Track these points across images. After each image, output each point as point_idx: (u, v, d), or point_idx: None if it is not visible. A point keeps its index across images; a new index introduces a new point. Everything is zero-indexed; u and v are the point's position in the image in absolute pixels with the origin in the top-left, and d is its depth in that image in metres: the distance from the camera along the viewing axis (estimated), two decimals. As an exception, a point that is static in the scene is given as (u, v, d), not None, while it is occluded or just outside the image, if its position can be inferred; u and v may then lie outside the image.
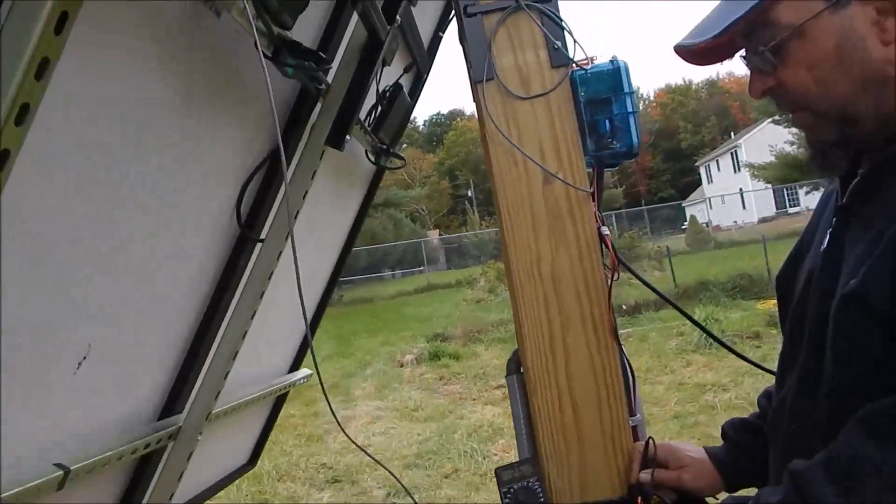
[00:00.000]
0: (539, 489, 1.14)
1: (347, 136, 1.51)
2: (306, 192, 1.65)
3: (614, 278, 1.21)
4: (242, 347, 1.64)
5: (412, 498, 3.95)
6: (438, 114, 64.19)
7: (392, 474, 1.94)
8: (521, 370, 1.28)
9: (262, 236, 1.56)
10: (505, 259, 1.24)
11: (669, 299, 1.30)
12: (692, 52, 0.93)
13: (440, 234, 37.47)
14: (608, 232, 1.21)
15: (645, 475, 1.12)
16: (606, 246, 1.22)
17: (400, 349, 9.03)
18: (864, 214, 0.85)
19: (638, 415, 1.23)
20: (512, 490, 1.15)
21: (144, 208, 1.07)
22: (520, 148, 1.21)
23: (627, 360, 1.22)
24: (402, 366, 8.23)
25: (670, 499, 1.08)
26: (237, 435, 2.29)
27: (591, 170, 1.28)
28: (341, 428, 1.45)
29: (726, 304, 8.33)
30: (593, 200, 1.23)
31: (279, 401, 2.51)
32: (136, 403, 1.37)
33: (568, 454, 1.19)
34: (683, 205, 38.15)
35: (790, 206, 31.52)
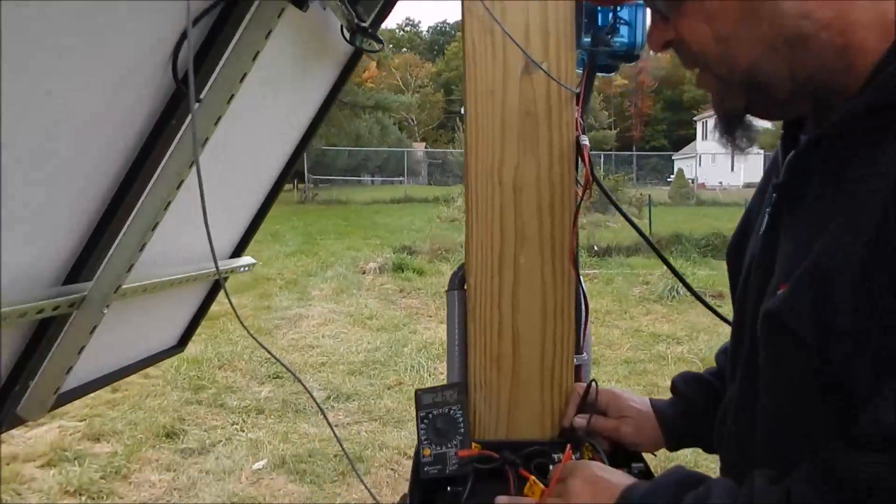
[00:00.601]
0: (461, 419, 1.00)
1: (316, -1, 1.28)
2: (258, 52, 1.44)
3: (585, 197, 1.04)
4: (172, 225, 1.46)
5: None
6: (444, 22, 62.00)
7: (305, 387, 1.77)
8: (465, 287, 1.13)
9: (201, 96, 1.35)
10: (465, 158, 1.07)
11: (645, 235, 1.14)
12: None
13: (426, 148, 36.88)
14: (587, 142, 1.04)
15: (580, 420, 0.99)
16: (583, 160, 1.04)
17: (365, 256, 8.92)
18: (798, 199, 0.69)
19: (584, 354, 1.10)
20: (430, 416, 1.01)
21: (62, 51, 0.86)
22: (501, 24, 1.01)
23: (584, 292, 1.07)
24: (364, 273, 8.13)
25: (604, 449, 0.96)
26: (164, 316, 2.15)
27: (580, 70, 1.09)
28: (255, 339, 1.28)
29: (696, 260, 8.30)
30: (577, 104, 1.05)
31: (217, 286, 2.36)
32: (43, 265, 1.20)
33: (499, 386, 1.05)
34: (674, 157, 37.92)
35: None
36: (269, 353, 1.11)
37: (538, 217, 1.04)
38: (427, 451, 0.98)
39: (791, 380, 0.65)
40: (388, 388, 4.45)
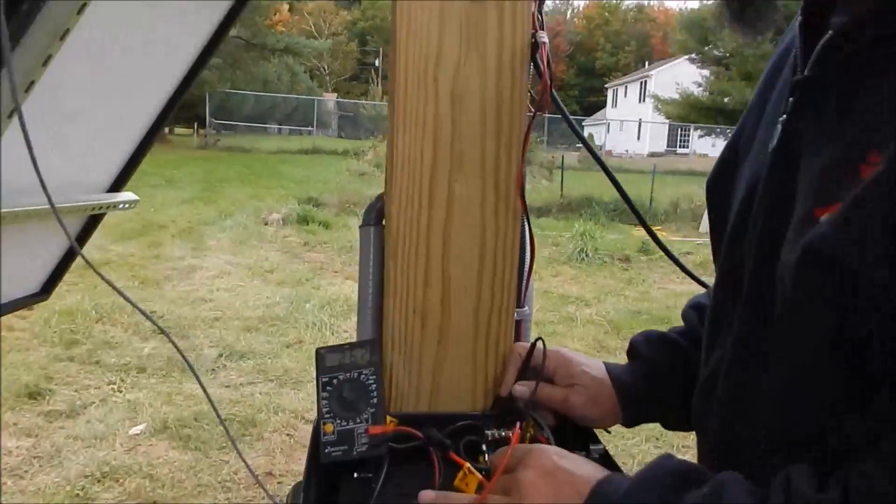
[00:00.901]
0: (374, 387, 0.78)
1: None
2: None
3: (540, 112, 0.83)
4: (40, 151, 1.15)
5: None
6: (365, -34, 59.82)
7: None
8: (384, 222, 0.91)
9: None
10: (392, 51, 0.83)
11: (617, 183, 0.94)
12: None
13: (338, 99, 35.78)
14: (546, 40, 0.82)
15: (522, 388, 0.80)
16: (539, 68, 0.83)
17: (268, 206, 8.45)
18: (835, 98, 0.51)
19: (526, 308, 0.90)
20: (335, 382, 0.79)
21: None
22: None
23: (531, 231, 0.87)
24: (266, 224, 7.70)
25: (549, 424, 0.77)
26: (21, 256, 1.81)
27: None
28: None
29: (605, 224, 8.40)
30: (534, -4, 0.82)
31: (90, 226, 2.01)
32: None
33: (423, 345, 0.84)
34: (584, 123, 38.60)
35: (680, 147, 32.80)
36: (129, 302, 0.85)
37: (481, 135, 0.82)
38: (329, 427, 0.76)
39: (822, 339, 0.47)
40: (287, 347, 4.17)
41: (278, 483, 2.80)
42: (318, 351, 0.81)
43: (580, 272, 6.44)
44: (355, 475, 0.75)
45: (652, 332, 0.82)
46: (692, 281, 0.87)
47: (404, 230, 0.82)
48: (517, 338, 0.87)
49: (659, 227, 8.73)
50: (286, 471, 2.89)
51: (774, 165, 0.56)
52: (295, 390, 3.59)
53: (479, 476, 0.62)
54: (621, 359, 0.84)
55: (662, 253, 0.93)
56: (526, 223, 0.85)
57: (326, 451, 0.75)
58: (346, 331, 4.49)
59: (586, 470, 0.55)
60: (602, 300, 5.48)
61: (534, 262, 0.87)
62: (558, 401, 0.78)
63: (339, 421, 0.76)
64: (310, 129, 25.38)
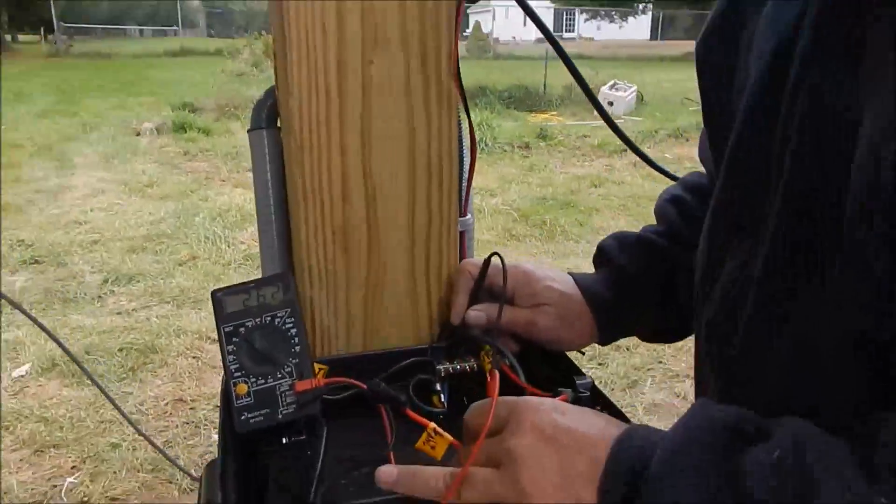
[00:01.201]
0: (293, 329, 0.62)
1: None
2: None
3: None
4: None
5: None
6: None
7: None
8: (278, 123, 0.72)
9: None
10: None
11: (589, 89, 0.79)
12: None
13: (202, -7, 32.75)
14: None
15: (477, 313, 0.66)
16: None
17: (139, 115, 7.70)
18: None
19: (469, 216, 0.75)
20: (243, 331, 0.62)
21: None
22: None
23: (470, 121, 0.71)
24: (138, 134, 7.03)
25: (511, 352, 0.65)
26: None
27: None
28: None
29: (501, 112, 8.26)
30: None
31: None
32: None
33: (348, 273, 0.68)
34: (469, 11, 37.45)
35: (566, 31, 32.66)
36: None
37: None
38: (243, 388, 0.60)
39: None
40: (180, 265, 3.86)
41: (191, 409, 2.62)
42: (213, 295, 0.64)
43: (481, 163, 6.31)
44: (284, 441, 0.61)
45: (625, 234, 0.70)
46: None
47: (308, 131, 0.64)
48: (461, 253, 0.72)
49: (555, 112, 8.70)
50: (198, 395, 2.71)
51: (812, 57, 0.40)
52: (195, 310, 3.34)
53: (450, 437, 0.49)
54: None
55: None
56: (464, 112, 0.69)
57: (243, 418, 0.59)
58: (244, 242, 4.21)
59: (596, 427, 0.42)
60: (506, 189, 5.43)
61: (475, 159, 0.71)
62: (522, 324, 0.65)
63: (254, 379, 0.61)
64: (175, 28, 23.23)
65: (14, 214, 4.55)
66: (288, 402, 0.60)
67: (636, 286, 0.67)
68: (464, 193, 0.72)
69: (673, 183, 0.72)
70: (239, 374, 0.61)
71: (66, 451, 2.31)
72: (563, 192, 5.34)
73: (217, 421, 0.64)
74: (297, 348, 0.61)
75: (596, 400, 0.56)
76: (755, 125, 0.45)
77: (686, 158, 6.14)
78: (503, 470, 0.41)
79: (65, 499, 2.11)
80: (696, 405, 0.40)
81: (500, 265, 0.65)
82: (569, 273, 0.68)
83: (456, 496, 0.43)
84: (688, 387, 2.59)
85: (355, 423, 0.62)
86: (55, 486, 2.16)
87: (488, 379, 0.59)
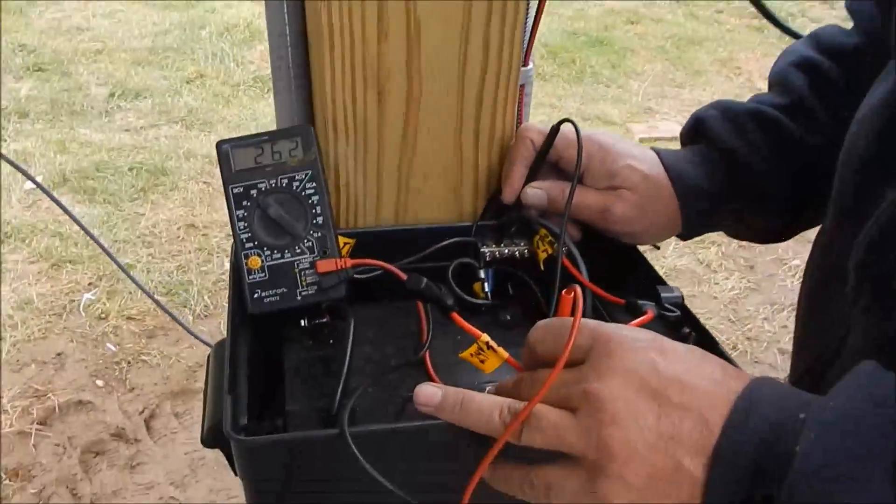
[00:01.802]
0: (315, 197, 0.52)
1: None
2: None
3: None
4: None
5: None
6: None
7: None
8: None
9: None
10: None
11: None
12: None
13: None
14: None
15: (536, 191, 0.55)
16: None
17: None
18: None
19: (530, 65, 0.61)
20: (253, 193, 0.52)
21: None
22: None
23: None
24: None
25: (574, 240, 0.54)
26: None
27: None
28: None
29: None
30: None
31: None
32: None
33: (381, 130, 0.56)
34: None
35: None
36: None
37: None
38: (256, 262, 0.51)
39: None
40: (188, 83, 3.66)
41: (203, 235, 2.60)
42: (219, 146, 0.53)
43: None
44: (303, 324, 0.53)
45: (730, 105, 0.55)
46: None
47: (340, -60, 0.49)
48: (518, 114, 0.59)
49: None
50: (210, 221, 2.67)
51: None
52: (204, 133, 3.22)
53: (505, 353, 0.40)
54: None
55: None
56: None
57: (256, 296, 0.51)
58: (253, 62, 3.97)
59: (710, 378, 0.32)
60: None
61: (545, -8, 0.56)
62: (594, 210, 0.53)
63: (268, 252, 0.51)
64: None
65: (14, 17, 4.26)
66: (308, 282, 0.51)
67: (749, 178, 0.54)
68: (528, 35, 0.58)
69: (795, 41, 0.57)
70: (251, 244, 0.51)
71: (83, 268, 2.31)
72: (596, 28, 4.93)
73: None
74: (320, 219, 0.51)
75: (685, 322, 0.45)
76: None
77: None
78: (581, 418, 0.33)
79: (83, 314, 2.14)
80: (861, 368, 0.30)
81: (570, 135, 0.53)
82: (651, 149, 0.55)
83: (516, 436, 0.35)
84: (712, 254, 2.51)
85: (384, 309, 0.54)
86: (73, 301, 2.19)
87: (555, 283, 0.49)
